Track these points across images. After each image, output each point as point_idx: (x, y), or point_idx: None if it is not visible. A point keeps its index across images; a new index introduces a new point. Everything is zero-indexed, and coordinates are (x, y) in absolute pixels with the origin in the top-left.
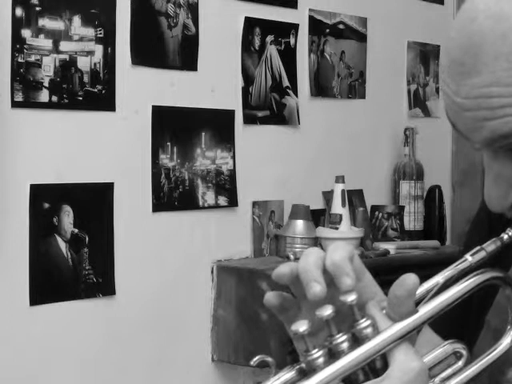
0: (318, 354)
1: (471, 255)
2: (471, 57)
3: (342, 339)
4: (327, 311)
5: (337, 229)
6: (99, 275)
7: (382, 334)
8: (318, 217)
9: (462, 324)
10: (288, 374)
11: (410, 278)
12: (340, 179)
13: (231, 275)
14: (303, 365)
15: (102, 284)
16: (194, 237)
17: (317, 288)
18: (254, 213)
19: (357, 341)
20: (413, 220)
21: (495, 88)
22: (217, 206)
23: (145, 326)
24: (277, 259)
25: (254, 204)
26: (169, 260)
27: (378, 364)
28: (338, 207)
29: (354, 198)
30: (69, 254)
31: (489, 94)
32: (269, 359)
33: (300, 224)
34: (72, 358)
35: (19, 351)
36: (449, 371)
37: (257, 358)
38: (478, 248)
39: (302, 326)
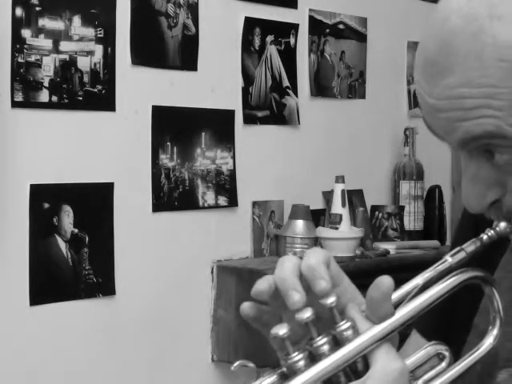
0: (298, 357)
1: (451, 256)
2: (443, 57)
3: (322, 342)
4: (307, 314)
5: (337, 229)
6: (99, 275)
7: (362, 335)
8: (318, 217)
9: (449, 328)
10: (269, 378)
11: (385, 281)
12: (340, 179)
13: (231, 275)
14: (284, 369)
15: (102, 284)
16: (194, 237)
17: (296, 296)
18: (254, 213)
19: (337, 343)
20: (413, 220)
21: (466, 89)
22: (217, 206)
23: (145, 326)
24: (277, 259)
25: (254, 204)
26: (169, 260)
27: (359, 366)
28: (338, 207)
29: (354, 198)
30: (69, 254)
31: (461, 94)
32: (250, 364)
33: (300, 224)
34: (72, 358)
35: (19, 351)
36: (432, 373)
37: (237, 363)
38: (457, 249)
39: (281, 330)
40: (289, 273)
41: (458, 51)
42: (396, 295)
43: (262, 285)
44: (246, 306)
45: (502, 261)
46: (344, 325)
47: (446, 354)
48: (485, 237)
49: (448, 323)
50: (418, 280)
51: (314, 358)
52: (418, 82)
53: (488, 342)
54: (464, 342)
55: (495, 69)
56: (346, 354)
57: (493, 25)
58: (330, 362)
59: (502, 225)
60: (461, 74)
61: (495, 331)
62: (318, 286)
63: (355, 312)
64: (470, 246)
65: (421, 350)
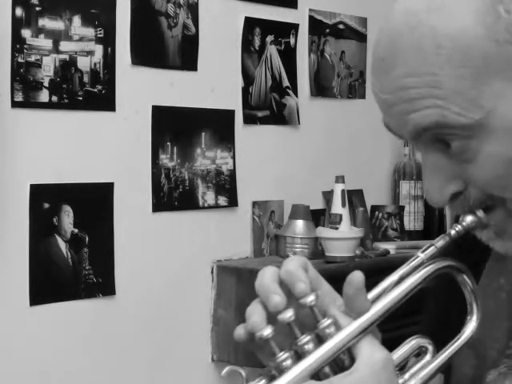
0: (284, 356)
1: (422, 252)
2: (389, 52)
3: (306, 339)
4: (288, 314)
5: (337, 229)
6: (99, 275)
7: (343, 330)
8: (318, 217)
9: (440, 337)
10: (259, 382)
11: (356, 275)
12: (340, 179)
13: (231, 275)
14: (273, 371)
15: (102, 284)
16: (194, 237)
17: (276, 299)
18: (254, 213)
19: (321, 340)
20: (413, 220)
21: (410, 79)
22: (217, 206)
23: (145, 326)
24: (277, 259)
25: (254, 204)
26: (169, 260)
27: (345, 361)
28: (338, 207)
29: (354, 198)
30: (69, 254)
31: (405, 85)
32: (240, 370)
33: (300, 224)
34: (72, 358)
35: (19, 351)
36: (417, 366)
37: (226, 368)
38: (428, 244)
39: (265, 331)
40: (267, 279)
41: (401, 45)
42: (374, 293)
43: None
44: (241, 330)
45: (485, 269)
46: (326, 322)
47: (429, 346)
48: (452, 232)
49: (441, 334)
50: (394, 277)
51: (299, 356)
52: (372, 82)
53: (470, 327)
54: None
55: (434, 56)
56: (330, 348)
57: (431, 17)
58: (315, 357)
59: (468, 218)
60: (404, 65)
61: (474, 317)
62: (298, 288)
63: (335, 310)
64: (439, 242)
65: (404, 344)
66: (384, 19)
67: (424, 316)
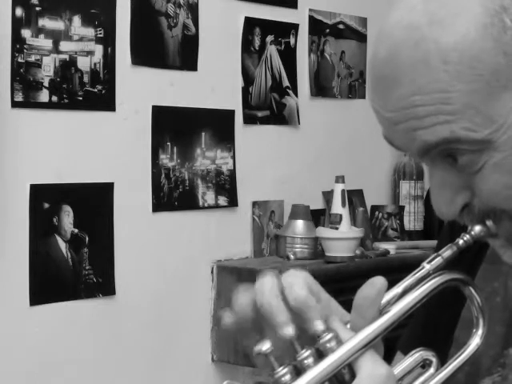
0: (283, 371)
1: (428, 262)
2: (391, 69)
3: (306, 354)
4: (265, 346)
5: (337, 229)
6: (99, 275)
7: (345, 344)
8: (318, 217)
9: (431, 344)
10: None
11: (379, 279)
12: (340, 179)
13: (231, 275)
14: None
15: (102, 284)
16: (194, 237)
17: (288, 330)
18: (254, 213)
19: (322, 355)
20: (413, 220)
21: (418, 97)
22: (217, 206)
23: (145, 325)
24: (277, 259)
25: (254, 204)
26: (169, 260)
27: (346, 377)
28: (338, 207)
29: (354, 198)
30: (69, 254)
31: (413, 103)
32: None
33: (300, 224)
34: (72, 358)
35: (19, 351)
36: (421, 379)
37: (225, 383)
38: (434, 255)
39: (264, 345)
40: (271, 296)
41: (404, 61)
42: None
43: (244, 299)
44: (227, 316)
45: (479, 272)
46: (327, 336)
47: (433, 359)
48: (460, 241)
49: (429, 338)
50: (398, 289)
51: (299, 371)
52: (372, 99)
53: (475, 342)
54: (446, 356)
55: (442, 72)
56: (331, 364)
57: (433, 30)
58: (314, 373)
59: (477, 228)
60: (410, 83)
61: (480, 331)
62: (314, 327)
63: (337, 323)
64: (446, 252)
65: (408, 357)
66: (380, 32)
67: (413, 319)
